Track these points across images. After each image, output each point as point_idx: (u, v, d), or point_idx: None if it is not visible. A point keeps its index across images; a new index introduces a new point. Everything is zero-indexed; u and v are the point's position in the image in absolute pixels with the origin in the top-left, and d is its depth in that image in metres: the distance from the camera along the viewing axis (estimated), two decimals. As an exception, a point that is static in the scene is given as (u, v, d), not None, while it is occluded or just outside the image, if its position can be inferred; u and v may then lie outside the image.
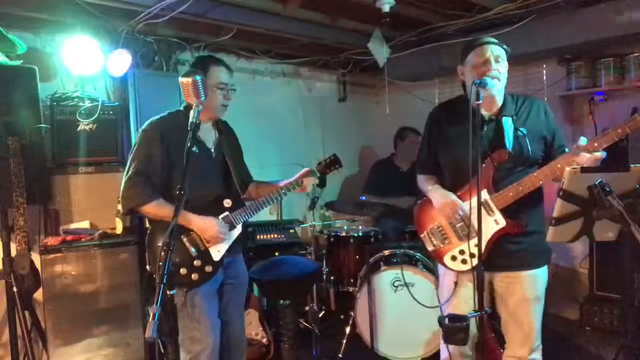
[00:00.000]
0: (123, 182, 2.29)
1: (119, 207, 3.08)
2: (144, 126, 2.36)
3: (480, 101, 1.93)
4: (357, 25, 3.95)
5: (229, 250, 2.35)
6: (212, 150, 2.43)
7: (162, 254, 1.63)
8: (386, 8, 3.25)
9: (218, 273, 2.33)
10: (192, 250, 2.27)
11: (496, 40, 2.17)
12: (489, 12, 3.59)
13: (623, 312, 3.20)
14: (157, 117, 2.38)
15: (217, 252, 2.31)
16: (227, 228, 2.33)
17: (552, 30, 3.65)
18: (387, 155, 4.72)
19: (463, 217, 2.16)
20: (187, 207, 2.17)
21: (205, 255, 2.29)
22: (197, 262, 2.26)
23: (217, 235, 2.28)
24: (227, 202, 2.37)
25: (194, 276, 2.25)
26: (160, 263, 1.61)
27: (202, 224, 2.27)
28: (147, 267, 2.34)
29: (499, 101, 2.19)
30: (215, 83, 2.34)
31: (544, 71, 4.21)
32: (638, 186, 1.66)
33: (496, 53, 2.13)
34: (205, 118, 2.37)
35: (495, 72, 2.10)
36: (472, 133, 1.90)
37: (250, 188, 2.68)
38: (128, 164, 2.31)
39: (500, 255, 2.15)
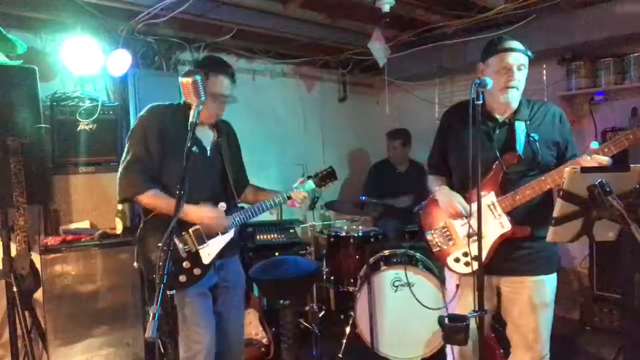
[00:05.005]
0: (120, 169, 2.24)
1: (119, 206, 3.10)
2: (142, 112, 2.30)
3: (480, 101, 1.93)
4: (357, 25, 3.95)
5: (220, 253, 2.31)
6: (208, 149, 2.38)
7: (162, 254, 1.62)
8: (386, 8, 3.25)
9: (211, 274, 2.29)
10: (183, 250, 2.23)
11: (522, 48, 2.12)
12: (489, 12, 3.58)
13: (623, 312, 3.20)
14: (157, 104, 2.32)
15: (208, 254, 2.27)
16: (220, 212, 2.28)
17: (552, 30, 3.65)
18: (386, 156, 4.73)
19: (467, 216, 2.14)
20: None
21: (195, 257, 2.25)
22: (186, 264, 2.22)
23: (215, 218, 2.23)
24: (222, 205, 2.31)
25: (182, 278, 2.20)
26: (160, 263, 1.61)
27: (197, 213, 2.22)
28: (135, 264, 2.28)
29: (514, 105, 2.19)
30: (212, 91, 2.18)
31: (544, 71, 4.21)
32: (638, 186, 1.66)
33: (520, 62, 2.11)
34: (200, 119, 2.33)
35: (515, 81, 2.10)
36: (471, 133, 1.89)
37: (247, 192, 2.62)
38: (125, 149, 2.26)
39: (507, 259, 2.13)
